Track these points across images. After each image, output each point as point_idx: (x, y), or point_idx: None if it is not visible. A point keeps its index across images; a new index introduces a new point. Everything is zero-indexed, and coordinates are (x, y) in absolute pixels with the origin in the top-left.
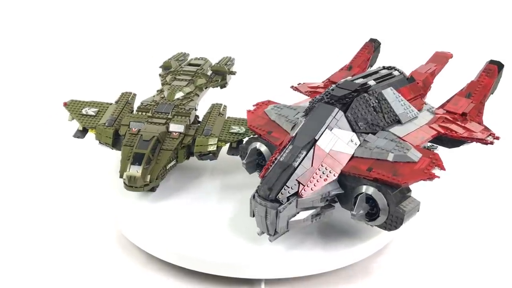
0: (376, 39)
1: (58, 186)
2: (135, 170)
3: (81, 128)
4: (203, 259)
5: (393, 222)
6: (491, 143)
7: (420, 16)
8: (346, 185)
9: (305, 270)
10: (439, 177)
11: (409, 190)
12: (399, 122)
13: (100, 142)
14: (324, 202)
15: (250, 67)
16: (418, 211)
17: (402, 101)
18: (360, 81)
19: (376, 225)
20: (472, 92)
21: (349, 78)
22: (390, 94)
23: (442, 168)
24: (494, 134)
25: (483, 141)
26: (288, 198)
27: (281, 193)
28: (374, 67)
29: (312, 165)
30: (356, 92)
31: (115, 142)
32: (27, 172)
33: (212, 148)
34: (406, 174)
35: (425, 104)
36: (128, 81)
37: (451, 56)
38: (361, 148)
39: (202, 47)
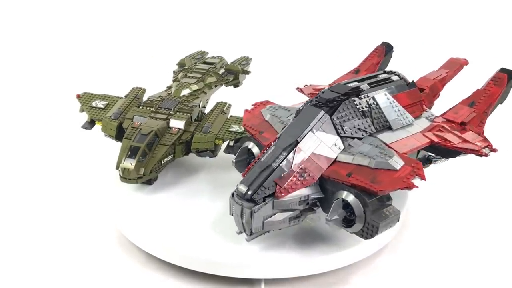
0: (388, 43)
1: (58, 186)
2: (129, 163)
3: (89, 120)
4: (203, 259)
5: (369, 231)
6: (486, 155)
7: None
8: (327, 190)
9: (305, 270)
10: (417, 187)
11: (389, 199)
12: (389, 128)
13: (105, 134)
14: (304, 206)
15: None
16: (398, 221)
17: (396, 107)
18: (353, 84)
19: (352, 232)
20: (476, 101)
21: (344, 81)
22: (383, 99)
23: (422, 178)
24: (491, 146)
25: (477, 153)
26: (264, 199)
27: (257, 193)
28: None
29: (291, 167)
30: (346, 96)
31: (119, 135)
32: (27, 172)
33: (209, 145)
34: (384, 182)
35: (426, 111)
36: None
37: (466, 63)
38: (344, 153)
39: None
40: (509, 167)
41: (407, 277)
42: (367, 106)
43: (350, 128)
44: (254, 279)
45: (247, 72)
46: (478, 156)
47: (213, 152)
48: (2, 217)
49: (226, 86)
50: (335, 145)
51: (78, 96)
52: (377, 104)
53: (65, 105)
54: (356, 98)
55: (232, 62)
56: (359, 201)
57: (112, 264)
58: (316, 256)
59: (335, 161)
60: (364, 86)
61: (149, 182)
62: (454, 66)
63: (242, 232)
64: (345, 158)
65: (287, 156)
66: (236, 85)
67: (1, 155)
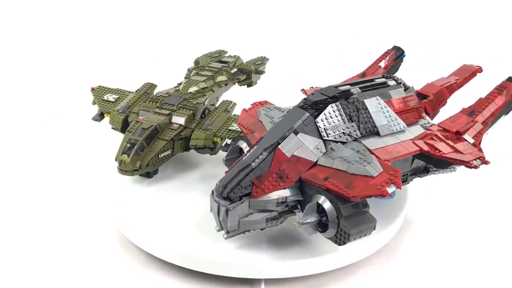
0: (399, 47)
1: (58, 186)
2: (126, 155)
3: (99, 113)
4: (203, 259)
5: (342, 237)
6: (475, 167)
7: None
8: (306, 193)
9: (305, 270)
10: (391, 195)
11: (365, 206)
12: (377, 134)
13: (112, 127)
14: (283, 208)
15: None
16: (374, 229)
17: (387, 113)
18: (345, 87)
19: (327, 238)
20: (477, 110)
21: (336, 84)
22: (374, 104)
23: (398, 186)
24: (483, 158)
25: (467, 164)
26: (241, 198)
27: (234, 192)
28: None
29: (270, 168)
30: (334, 99)
31: (124, 128)
32: (28, 172)
33: (207, 142)
34: (358, 188)
35: (424, 118)
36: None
37: (479, 70)
38: (325, 157)
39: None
40: (510, 170)
41: (407, 277)
42: (355, 110)
43: (334, 132)
44: (254, 279)
45: (261, 72)
46: (467, 168)
47: (212, 150)
48: (3, 220)
49: (240, 86)
50: (317, 148)
51: (92, 89)
52: (366, 108)
53: (82, 103)
54: (344, 102)
55: (247, 62)
56: (333, 206)
57: (112, 264)
58: (316, 256)
59: (315, 164)
60: (355, 90)
61: (148, 175)
62: (466, 73)
63: (220, 230)
64: (325, 162)
65: (267, 156)
66: (249, 85)
67: (1, 155)
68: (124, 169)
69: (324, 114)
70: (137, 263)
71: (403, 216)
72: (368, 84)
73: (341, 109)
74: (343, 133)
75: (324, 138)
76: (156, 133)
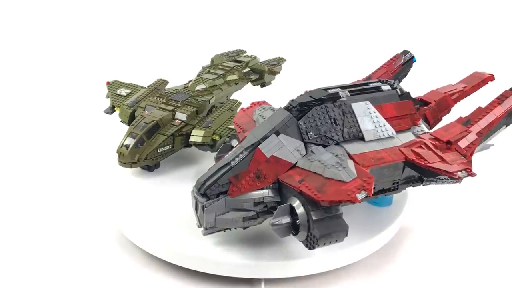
0: (409, 52)
1: (58, 186)
2: (125, 148)
3: (111, 106)
4: (203, 259)
5: (311, 241)
6: (459, 178)
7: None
8: (284, 194)
9: (305, 270)
10: (360, 201)
11: (338, 211)
12: (362, 139)
13: (121, 120)
14: (261, 208)
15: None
16: (345, 235)
17: (375, 118)
18: (334, 90)
19: (300, 241)
20: (473, 120)
21: (326, 86)
22: (361, 108)
23: (369, 194)
24: (470, 170)
25: (450, 175)
26: (218, 195)
27: (211, 189)
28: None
29: (248, 167)
30: (320, 101)
31: (131, 122)
32: (27, 172)
33: (206, 140)
34: (329, 192)
35: (418, 125)
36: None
37: (490, 78)
38: (304, 159)
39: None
40: (509, 173)
41: (407, 277)
42: (341, 114)
43: (315, 135)
44: (254, 279)
45: (275, 73)
46: (451, 179)
47: (212, 147)
48: (3, 221)
49: (253, 85)
50: (297, 150)
51: (108, 83)
52: (352, 112)
53: (92, 100)
54: (330, 105)
55: (262, 62)
56: (305, 209)
57: (113, 264)
58: (316, 255)
59: (294, 166)
60: (343, 93)
61: (149, 168)
62: (475, 81)
63: (199, 226)
64: (303, 164)
65: (246, 155)
66: (262, 85)
67: (1, 154)
68: (122, 161)
69: (308, 117)
70: (137, 263)
71: (403, 216)
72: (361, 88)
73: (326, 112)
74: (325, 136)
75: (305, 140)
76: (158, 128)
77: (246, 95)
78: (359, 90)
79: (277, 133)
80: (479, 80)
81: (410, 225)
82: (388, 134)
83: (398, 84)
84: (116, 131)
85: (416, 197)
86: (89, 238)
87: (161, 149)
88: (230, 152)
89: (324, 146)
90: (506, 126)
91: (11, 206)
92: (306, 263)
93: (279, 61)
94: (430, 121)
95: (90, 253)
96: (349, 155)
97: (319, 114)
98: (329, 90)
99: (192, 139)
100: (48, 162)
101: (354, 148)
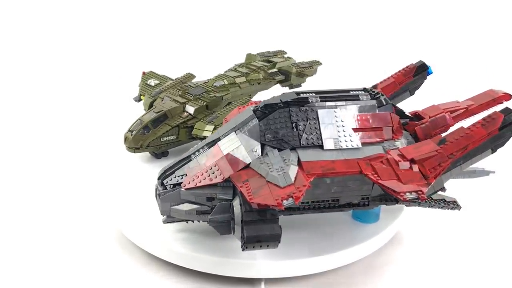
0: (424, 63)
1: (58, 186)
2: (130, 133)
3: (139, 94)
4: (203, 259)
5: (244, 242)
6: (404, 199)
7: None
8: (235, 192)
9: (305, 270)
10: (283, 208)
11: (273, 215)
12: (321, 147)
13: (144, 109)
14: (215, 204)
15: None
16: (277, 241)
17: (342, 127)
18: (305, 95)
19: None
20: (449, 140)
21: (300, 90)
22: (328, 116)
23: (295, 201)
24: (421, 193)
25: (397, 195)
26: (174, 186)
27: (169, 179)
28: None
29: (204, 162)
30: (286, 104)
31: None
32: (27, 171)
33: (206, 134)
34: (262, 196)
35: (395, 140)
36: None
37: (506, 97)
38: (256, 160)
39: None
40: (507, 181)
41: (407, 277)
42: (304, 119)
43: (273, 137)
44: (254, 279)
45: (304, 75)
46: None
47: None
48: (3, 221)
49: (282, 86)
50: (254, 151)
51: (143, 73)
52: (317, 119)
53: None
54: (296, 109)
55: (294, 63)
56: (240, 210)
57: (113, 264)
58: (316, 255)
59: (248, 166)
60: (314, 98)
61: (156, 155)
62: (486, 99)
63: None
64: (254, 165)
65: (206, 150)
66: (290, 86)
67: (2, 154)
68: (126, 145)
69: (269, 119)
70: (138, 263)
71: (403, 216)
72: (336, 95)
73: (289, 116)
74: (282, 140)
75: (262, 142)
76: (165, 118)
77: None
78: (333, 97)
79: (237, 132)
80: (489, 99)
81: (409, 225)
82: (352, 145)
83: (381, 95)
84: (105, 135)
85: None
86: (89, 238)
87: (165, 139)
88: (195, 146)
89: (279, 150)
90: (493, 152)
91: (11, 206)
92: (306, 263)
93: (312, 64)
94: (420, 138)
95: (90, 253)
96: (300, 161)
97: (281, 117)
98: (302, 94)
99: (194, 132)
100: (48, 162)
101: (308, 155)
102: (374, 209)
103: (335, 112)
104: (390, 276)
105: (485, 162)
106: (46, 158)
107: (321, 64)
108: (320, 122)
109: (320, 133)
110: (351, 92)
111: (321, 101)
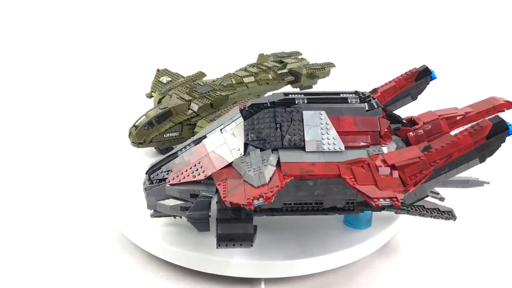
0: (427, 67)
1: (58, 186)
2: (135, 128)
3: (150, 91)
4: (203, 259)
5: (217, 240)
6: (377, 206)
7: None
8: (217, 190)
9: (305, 270)
10: (252, 209)
11: (248, 215)
12: (303, 148)
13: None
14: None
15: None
16: (250, 241)
17: (328, 130)
18: (292, 96)
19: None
20: (434, 147)
21: (288, 91)
22: (313, 118)
23: (265, 201)
24: (396, 199)
25: (370, 200)
26: (160, 181)
27: (156, 174)
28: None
29: (189, 159)
30: (272, 105)
31: None
32: (27, 171)
33: None
34: (235, 195)
35: (382, 145)
36: None
37: (506, 105)
38: (238, 159)
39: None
40: (503, 185)
41: (407, 277)
42: (288, 120)
43: (256, 137)
44: (254, 279)
45: (315, 77)
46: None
47: None
48: (1, 217)
49: (293, 87)
50: (237, 149)
51: (158, 70)
52: (301, 120)
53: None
54: (281, 110)
55: (306, 65)
56: (217, 208)
57: (113, 264)
58: (316, 255)
59: (230, 164)
60: (300, 100)
61: (161, 151)
62: (485, 106)
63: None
64: (235, 164)
65: (192, 147)
66: (301, 87)
67: (2, 154)
68: (130, 140)
69: (253, 118)
70: (138, 264)
71: (403, 216)
72: (325, 97)
73: (273, 116)
74: (264, 139)
75: (245, 141)
76: (170, 114)
77: None
78: (321, 99)
79: (222, 131)
80: (490, 106)
81: (409, 225)
82: (335, 148)
83: (372, 98)
84: (105, 135)
85: None
86: (89, 238)
87: (168, 135)
88: (183, 143)
89: (261, 150)
90: (481, 161)
91: (11, 206)
92: (306, 263)
93: (325, 66)
94: (412, 144)
95: (90, 253)
96: (278, 162)
97: (265, 118)
98: (289, 95)
99: (196, 129)
100: (48, 162)
101: (288, 156)
102: (365, 215)
103: (320, 114)
104: (390, 277)
105: (480, 172)
106: (45, 159)
107: (334, 66)
108: (304, 124)
109: (303, 134)
110: (341, 95)
111: (307, 102)
